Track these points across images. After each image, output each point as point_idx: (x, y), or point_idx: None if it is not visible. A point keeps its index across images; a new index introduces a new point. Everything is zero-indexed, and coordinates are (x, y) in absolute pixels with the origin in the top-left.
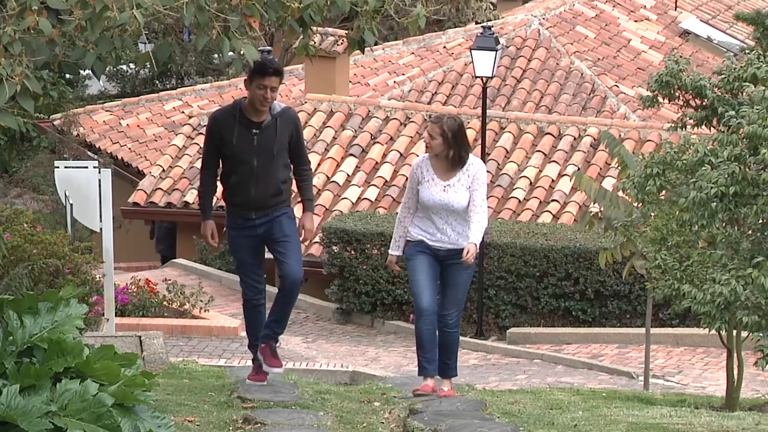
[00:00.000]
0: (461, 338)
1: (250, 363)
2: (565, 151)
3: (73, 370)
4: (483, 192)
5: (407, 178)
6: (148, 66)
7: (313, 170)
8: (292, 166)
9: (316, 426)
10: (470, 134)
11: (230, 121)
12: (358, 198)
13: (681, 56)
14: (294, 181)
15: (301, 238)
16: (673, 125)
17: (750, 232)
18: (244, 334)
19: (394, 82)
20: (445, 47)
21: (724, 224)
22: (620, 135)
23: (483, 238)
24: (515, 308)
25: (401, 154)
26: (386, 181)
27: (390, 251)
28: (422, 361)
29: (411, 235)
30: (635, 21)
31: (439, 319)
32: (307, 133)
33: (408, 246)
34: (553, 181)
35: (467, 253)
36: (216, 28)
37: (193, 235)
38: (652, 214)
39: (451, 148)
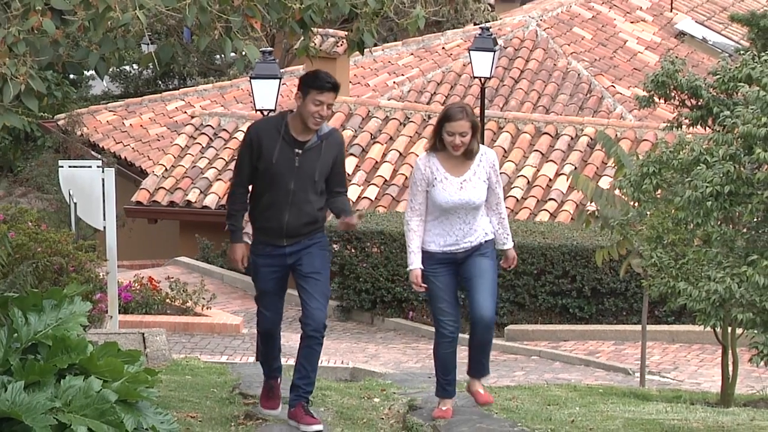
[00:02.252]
0: (460, 335)
1: (252, 360)
2: (563, 150)
3: (77, 366)
4: (501, 191)
5: (407, 178)
6: (151, 66)
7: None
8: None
9: None
10: None
11: (274, 135)
12: (359, 197)
13: (677, 57)
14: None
15: (354, 221)
16: (668, 125)
17: (745, 230)
18: (245, 331)
19: (394, 82)
20: (443, 48)
21: (719, 223)
22: (617, 135)
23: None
24: (513, 305)
25: (401, 154)
26: (386, 180)
27: (411, 266)
28: (443, 383)
29: (425, 244)
30: (631, 22)
31: (474, 317)
32: None
33: (424, 257)
34: (550, 180)
35: (513, 260)
36: (218, 29)
37: (195, 234)
38: (648, 212)
39: (473, 138)
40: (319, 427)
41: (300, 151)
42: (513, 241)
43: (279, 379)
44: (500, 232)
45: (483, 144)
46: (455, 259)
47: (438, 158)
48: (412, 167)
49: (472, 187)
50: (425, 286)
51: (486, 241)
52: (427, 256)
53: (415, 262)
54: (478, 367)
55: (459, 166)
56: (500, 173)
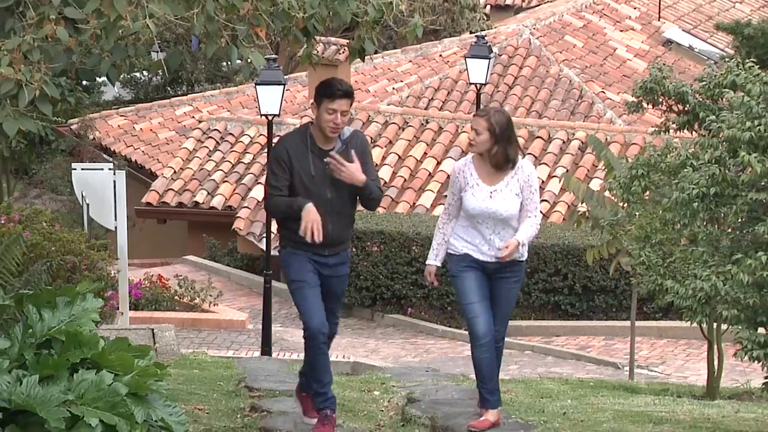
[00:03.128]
0: (460, 332)
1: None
2: (555, 153)
3: (89, 361)
4: (537, 198)
5: (405, 180)
6: (160, 73)
7: None
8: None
9: None
10: (464, 139)
11: (302, 150)
12: None
13: (664, 64)
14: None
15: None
16: (656, 129)
17: (729, 230)
18: (250, 326)
19: (393, 88)
20: (441, 56)
21: (705, 223)
22: (606, 139)
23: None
24: None
25: (399, 157)
26: (385, 182)
27: (428, 261)
28: (483, 393)
29: (455, 248)
30: (621, 31)
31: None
32: None
33: (452, 260)
34: (543, 182)
35: (506, 246)
36: (225, 37)
37: (203, 234)
38: (637, 213)
39: (497, 145)
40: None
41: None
42: (549, 265)
43: (334, 409)
44: (521, 226)
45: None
46: (485, 267)
47: (474, 164)
48: (410, 170)
49: (502, 198)
50: (438, 281)
51: (520, 261)
52: (458, 258)
53: (431, 259)
54: (484, 399)
55: (493, 175)
56: None
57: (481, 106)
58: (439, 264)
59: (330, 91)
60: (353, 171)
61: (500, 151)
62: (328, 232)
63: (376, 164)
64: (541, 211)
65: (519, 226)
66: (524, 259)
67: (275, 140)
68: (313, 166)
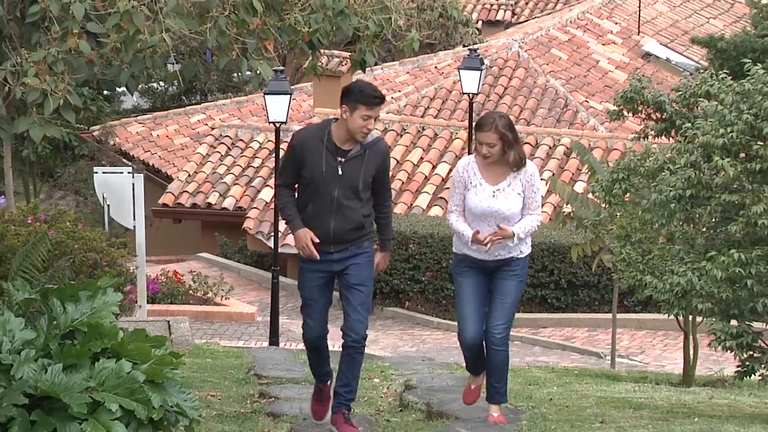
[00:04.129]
0: (453, 323)
1: (265, 344)
2: (542, 158)
3: (109, 350)
4: (539, 198)
5: (403, 183)
6: (176, 83)
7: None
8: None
9: None
10: (458, 144)
11: (317, 145)
12: None
13: (643, 75)
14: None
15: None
16: (636, 136)
17: (704, 229)
18: (259, 319)
19: (392, 97)
20: (436, 67)
21: (681, 223)
22: (590, 144)
23: (531, 247)
24: None
25: (398, 161)
26: None
27: (466, 231)
28: (471, 366)
29: (457, 247)
30: (603, 44)
31: (485, 335)
32: None
33: (454, 260)
34: None
35: (502, 229)
36: (236, 50)
37: (215, 232)
38: (618, 214)
39: (511, 150)
40: None
41: (343, 160)
42: (537, 262)
43: (329, 383)
44: (521, 221)
45: (470, 152)
46: (485, 266)
47: (478, 164)
48: (408, 173)
49: (504, 198)
50: (477, 231)
51: (519, 258)
52: (458, 258)
53: (467, 230)
54: (492, 392)
55: (496, 175)
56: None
57: (474, 115)
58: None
59: (368, 99)
60: (383, 269)
61: (515, 154)
62: (332, 229)
63: None
64: (544, 211)
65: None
66: (524, 255)
67: (283, 145)
68: (325, 163)
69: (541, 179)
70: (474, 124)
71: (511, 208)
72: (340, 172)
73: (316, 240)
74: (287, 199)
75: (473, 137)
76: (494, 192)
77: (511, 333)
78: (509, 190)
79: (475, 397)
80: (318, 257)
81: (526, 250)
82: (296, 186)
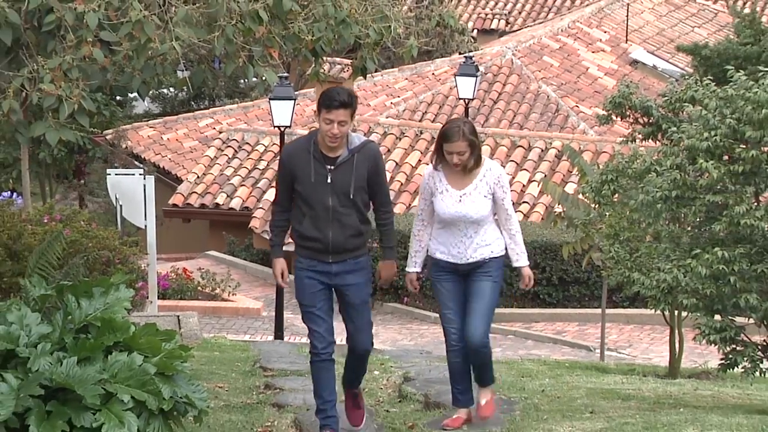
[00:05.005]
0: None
1: (270, 338)
2: (534, 161)
3: (121, 344)
4: (509, 198)
5: (402, 184)
6: (185, 89)
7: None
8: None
9: None
10: None
11: (304, 156)
12: None
13: (631, 82)
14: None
15: (379, 284)
16: (624, 139)
17: (689, 228)
18: (265, 314)
19: (391, 103)
20: (433, 74)
21: (667, 222)
22: (580, 147)
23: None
24: None
25: (397, 164)
26: None
27: (407, 269)
28: (455, 392)
29: (431, 252)
30: (592, 52)
31: (458, 338)
32: None
33: (430, 264)
34: (524, 186)
35: (528, 279)
36: (242, 57)
37: (223, 231)
38: (607, 213)
39: (473, 154)
40: (360, 427)
41: (332, 167)
42: (529, 260)
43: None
44: (512, 248)
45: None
46: (458, 270)
47: (444, 170)
48: (406, 175)
49: (471, 201)
50: (418, 286)
51: (492, 259)
52: (433, 262)
53: (410, 266)
54: (479, 377)
55: (461, 180)
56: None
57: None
58: (418, 270)
59: (327, 101)
60: (388, 279)
61: (475, 157)
62: (330, 239)
63: None
64: (536, 211)
65: (512, 242)
66: (496, 256)
67: None
68: (314, 173)
69: (534, 181)
70: (438, 135)
71: (479, 211)
72: (329, 180)
73: (287, 275)
74: (277, 225)
75: (443, 147)
76: (461, 197)
77: (505, 328)
78: (476, 194)
79: (462, 422)
80: (285, 286)
81: (498, 250)
82: (290, 204)
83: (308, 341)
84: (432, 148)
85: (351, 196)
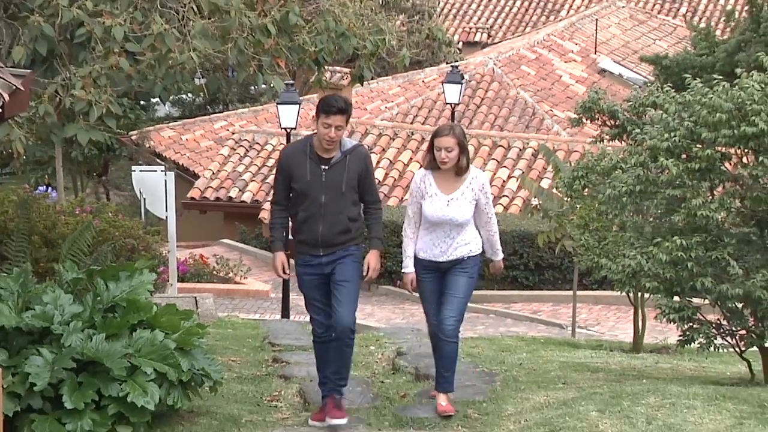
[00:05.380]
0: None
1: (278, 317)
2: (513, 159)
3: (145, 322)
4: (491, 203)
5: (395, 180)
6: (202, 95)
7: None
8: (362, 204)
9: None
10: None
11: (301, 157)
12: None
13: (599, 88)
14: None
15: (366, 277)
16: (593, 140)
17: (651, 219)
18: (273, 295)
19: (385, 107)
20: (423, 81)
21: (631, 214)
22: (554, 147)
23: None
24: None
25: (390, 161)
26: (379, 181)
27: (405, 270)
28: (438, 377)
29: (417, 252)
30: (565, 62)
31: (437, 327)
32: None
33: (415, 263)
34: (504, 181)
35: (497, 269)
36: (252, 66)
37: (235, 222)
38: (578, 206)
39: (462, 155)
40: (343, 421)
41: (326, 167)
42: (503, 254)
43: (340, 395)
44: (488, 247)
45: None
46: (439, 267)
47: (433, 175)
48: (399, 172)
49: (458, 206)
50: (416, 287)
51: (470, 257)
52: (417, 261)
53: (409, 266)
54: (441, 381)
55: (450, 185)
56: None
57: (455, 121)
58: (414, 270)
59: (326, 107)
60: (375, 267)
61: (466, 160)
62: (320, 233)
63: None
64: (515, 204)
65: (491, 241)
66: (474, 254)
67: None
68: (309, 172)
69: (513, 177)
70: (432, 133)
71: (465, 215)
72: (324, 179)
73: (287, 269)
74: (277, 221)
75: (434, 145)
76: (448, 201)
77: (486, 308)
78: (462, 199)
79: (452, 408)
80: (285, 277)
81: (476, 249)
82: (288, 202)
83: (311, 327)
84: (423, 147)
85: (342, 193)
